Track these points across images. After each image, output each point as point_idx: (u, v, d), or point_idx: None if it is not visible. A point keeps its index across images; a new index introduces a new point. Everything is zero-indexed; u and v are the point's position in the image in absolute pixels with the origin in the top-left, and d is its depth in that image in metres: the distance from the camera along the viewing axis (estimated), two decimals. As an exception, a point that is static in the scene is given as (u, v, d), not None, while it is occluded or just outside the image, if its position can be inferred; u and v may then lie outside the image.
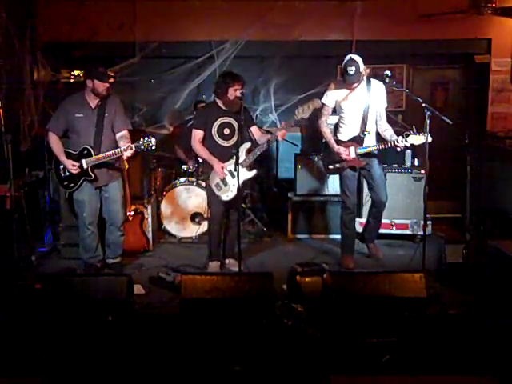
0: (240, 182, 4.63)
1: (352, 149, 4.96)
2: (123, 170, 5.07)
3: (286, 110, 7.08)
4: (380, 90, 4.95)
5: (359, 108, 4.95)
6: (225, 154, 4.88)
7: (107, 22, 6.63)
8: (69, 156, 4.80)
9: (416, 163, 6.14)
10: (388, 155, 6.51)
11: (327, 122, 5.13)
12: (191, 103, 6.93)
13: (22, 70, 6.19)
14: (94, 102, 4.80)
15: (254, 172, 4.95)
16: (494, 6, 6.68)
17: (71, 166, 4.76)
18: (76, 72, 6.78)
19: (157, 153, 6.69)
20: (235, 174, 4.74)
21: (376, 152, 5.00)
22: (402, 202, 5.91)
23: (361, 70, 4.78)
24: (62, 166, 4.84)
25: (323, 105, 5.03)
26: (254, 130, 5.01)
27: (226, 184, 4.89)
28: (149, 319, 3.96)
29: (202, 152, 4.95)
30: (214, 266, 5.09)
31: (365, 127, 4.94)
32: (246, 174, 4.90)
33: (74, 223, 5.34)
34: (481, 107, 7.15)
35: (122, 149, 4.66)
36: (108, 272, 4.98)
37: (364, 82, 4.92)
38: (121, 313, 3.64)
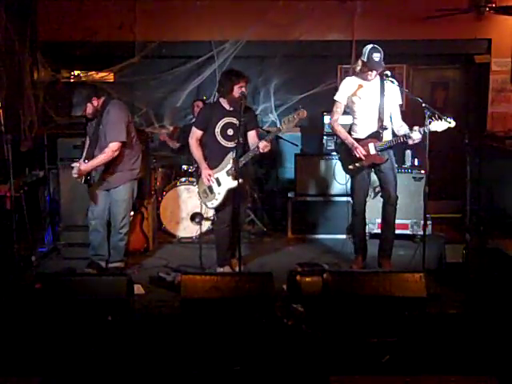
0: (225, 192, 4.71)
1: (371, 145, 4.82)
2: (133, 175, 4.99)
3: (286, 110, 7.08)
4: (394, 87, 4.83)
5: (374, 104, 4.83)
6: (224, 155, 4.77)
7: (107, 22, 6.64)
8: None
9: (416, 163, 6.14)
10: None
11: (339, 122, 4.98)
12: (191, 103, 6.94)
13: (21, 70, 6.20)
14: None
15: (239, 181, 4.63)
16: (494, 5, 6.69)
17: (74, 170, 4.82)
18: (76, 72, 6.79)
19: (157, 153, 6.71)
20: (221, 182, 4.75)
21: (391, 146, 4.86)
22: (401, 202, 5.84)
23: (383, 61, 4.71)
24: None
25: (335, 102, 4.92)
26: (252, 134, 4.83)
27: (211, 191, 4.82)
28: (149, 319, 3.96)
29: (196, 152, 4.87)
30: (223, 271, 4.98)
31: (382, 123, 4.81)
32: (230, 183, 4.73)
33: (74, 223, 5.37)
34: (481, 107, 7.16)
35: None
36: (108, 272, 4.98)
37: (378, 79, 4.83)
38: (121, 313, 3.64)
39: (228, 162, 4.73)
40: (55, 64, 6.66)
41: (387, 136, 4.87)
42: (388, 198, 4.99)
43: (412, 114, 7.17)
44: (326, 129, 6.54)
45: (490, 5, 6.66)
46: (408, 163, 6.13)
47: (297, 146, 6.87)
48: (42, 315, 3.63)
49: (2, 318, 3.78)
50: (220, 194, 4.77)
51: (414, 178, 5.95)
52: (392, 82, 4.77)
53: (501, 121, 7.00)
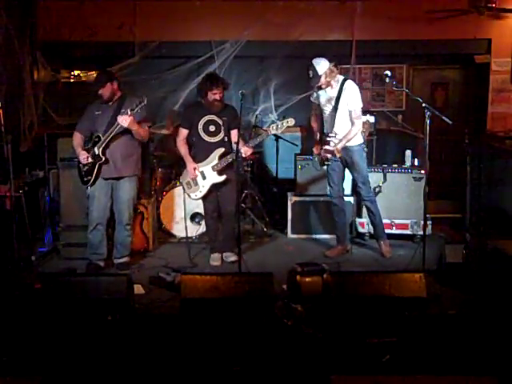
0: (209, 186, 5.10)
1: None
2: (138, 170, 5.09)
3: (285, 110, 7.08)
4: (351, 91, 5.06)
5: (328, 106, 5.17)
6: (209, 150, 5.10)
7: (107, 22, 6.64)
8: (85, 150, 4.93)
9: (416, 163, 6.13)
10: (387, 155, 6.52)
11: (316, 118, 5.42)
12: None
13: (21, 70, 6.19)
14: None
15: (223, 177, 5.10)
16: (494, 6, 6.69)
17: (82, 155, 4.87)
18: (76, 72, 6.79)
19: (157, 153, 6.71)
20: (206, 176, 5.11)
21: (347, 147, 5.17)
22: (401, 202, 5.90)
23: (320, 73, 4.96)
24: (81, 163, 4.91)
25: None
26: (234, 133, 5.11)
27: (195, 184, 5.16)
28: (149, 319, 3.96)
29: (182, 149, 5.20)
30: (213, 257, 5.32)
31: (333, 125, 5.11)
32: (215, 178, 5.11)
33: (74, 223, 5.37)
34: (481, 107, 7.16)
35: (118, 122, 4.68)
36: (108, 272, 4.98)
37: (337, 82, 5.08)
38: (121, 313, 3.64)
39: (214, 158, 5.09)
40: (55, 64, 6.67)
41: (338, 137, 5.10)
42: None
43: (412, 114, 7.24)
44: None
45: (490, 5, 6.66)
46: (408, 163, 6.12)
47: (297, 146, 6.87)
48: (41, 315, 3.63)
49: (2, 317, 3.78)
50: (204, 187, 5.13)
51: (414, 177, 5.93)
52: (385, 81, 4.97)
53: (501, 121, 6.99)
